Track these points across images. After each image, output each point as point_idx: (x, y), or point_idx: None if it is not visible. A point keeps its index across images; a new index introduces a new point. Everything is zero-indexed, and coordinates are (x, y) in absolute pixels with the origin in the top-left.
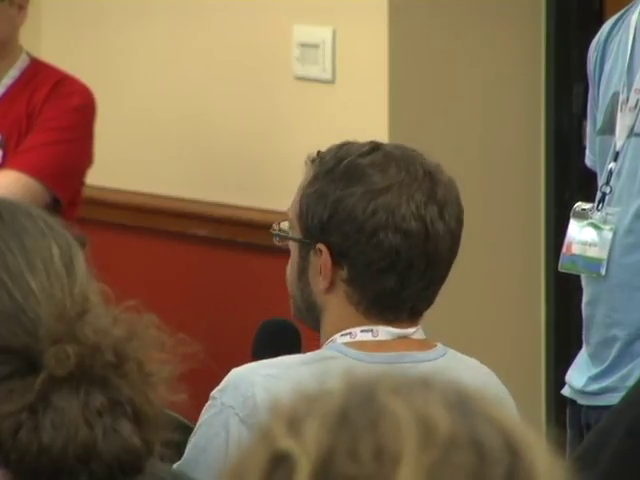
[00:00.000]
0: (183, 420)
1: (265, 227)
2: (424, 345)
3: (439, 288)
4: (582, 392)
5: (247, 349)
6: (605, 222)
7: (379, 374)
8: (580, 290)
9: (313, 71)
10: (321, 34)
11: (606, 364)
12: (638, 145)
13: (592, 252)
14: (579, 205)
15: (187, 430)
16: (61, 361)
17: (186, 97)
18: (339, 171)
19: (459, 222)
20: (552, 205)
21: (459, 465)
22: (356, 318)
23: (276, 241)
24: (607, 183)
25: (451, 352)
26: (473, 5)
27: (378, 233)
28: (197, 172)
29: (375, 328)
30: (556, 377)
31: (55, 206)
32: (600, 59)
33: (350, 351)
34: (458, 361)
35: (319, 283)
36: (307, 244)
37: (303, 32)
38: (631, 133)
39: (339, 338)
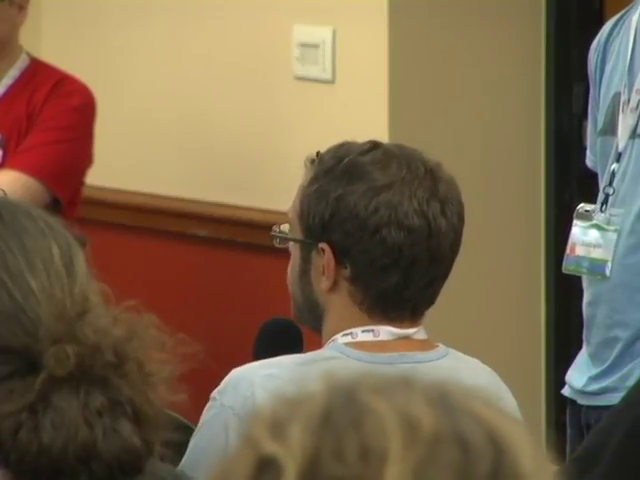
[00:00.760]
0: (183, 420)
1: (265, 227)
2: (425, 345)
3: (441, 287)
4: (582, 392)
5: (247, 349)
6: (609, 223)
7: (360, 374)
8: (580, 290)
9: (313, 71)
10: (321, 34)
11: (607, 364)
12: None
13: (596, 253)
14: (582, 206)
15: (187, 430)
16: (61, 361)
17: (186, 97)
18: (339, 170)
19: (461, 219)
20: (552, 205)
21: (445, 461)
22: (359, 317)
23: (276, 243)
24: (610, 184)
25: (453, 352)
26: (473, 5)
27: (381, 230)
28: (197, 172)
29: (376, 328)
30: (556, 377)
31: (55, 206)
32: (601, 60)
33: (350, 351)
34: (459, 361)
35: (322, 283)
36: (309, 244)
37: (303, 32)
38: (634, 134)
39: (340, 338)
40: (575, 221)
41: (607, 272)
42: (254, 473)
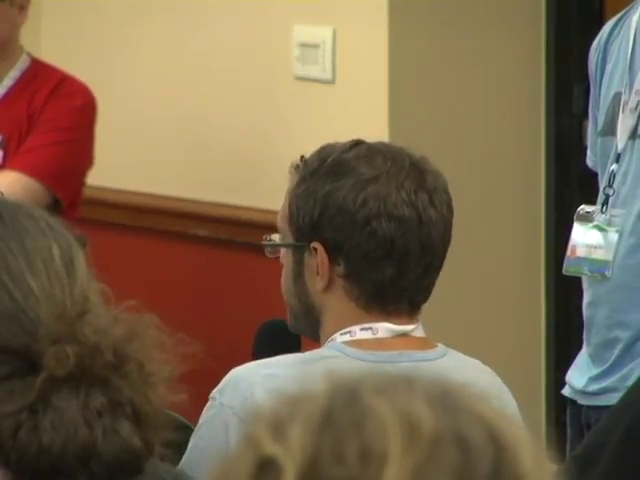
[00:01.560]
0: (183, 420)
1: (265, 227)
2: (425, 344)
3: (436, 277)
4: (582, 392)
5: (247, 349)
6: (610, 224)
7: (362, 374)
8: (580, 291)
9: (313, 71)
10: (321, 34)
11: (607, 365)
12: None
13: (597, 254)
14: (582, 208)
15: (187, 430)
16: (61, 361)
17: (186, 97)
18: (325, 168)
19: (450, 209)
20: (552, 206)
21: (445, 462)
22: (357, 313)
23: (268, 253)
24: (610, 185)
25: (452, 352)
26: (473, 6)
27: (371, 222)
28: (197, 172)
29: (375, 326)
30: (556, 377)
31: (56, 207)
32: (601, 60)
33: (349, 350)
34: (459, 361)
35: (316, 283)
36: (300, 247)
37: (303, 32)
38: (634, 135)
39: (339, 337)
40: (575, 223)
41: (608, 273)
42: (254, 473)
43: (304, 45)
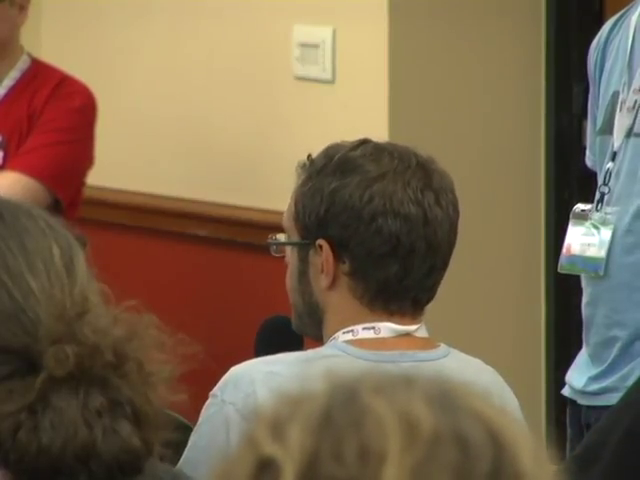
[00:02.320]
0: (183, 420)
1: (265, 227)
2: (427, 344)
3: (440, 278)
4: (582, 392)
5: (247, 349)
6: (604, 222)
7: (361, 374)
8: (580, 291)
9: (313, 71)
10: (321, 34)
11: (606, 364)
12: (637, 145)
13: (591, 252)
14: (578, 207)
15: (187, 430)
16: (60, 361)
17: (186, 97)
18: (331, 166)
19: (456, 210)
20: (552, 205)
21: (444, 462)
22: (360, 312)
23: (273, 252)
24: (605, 183)
25: (454, 352)
26: (473, 5)
27: (377, 219)
28: (197, 172)
29: (377, 325)
30: (556, 377)
31: (56, 207)
32: (600, 59)
33: (351, 349)
34: (461, 361)
35: (321, 282)
36: (306, 245)
37: (303, 32)
38: (630, 133)
39: (341, 336)
40: (571, 221)
41: (600, 271)
42: (254, 474)
43: (304, 45)
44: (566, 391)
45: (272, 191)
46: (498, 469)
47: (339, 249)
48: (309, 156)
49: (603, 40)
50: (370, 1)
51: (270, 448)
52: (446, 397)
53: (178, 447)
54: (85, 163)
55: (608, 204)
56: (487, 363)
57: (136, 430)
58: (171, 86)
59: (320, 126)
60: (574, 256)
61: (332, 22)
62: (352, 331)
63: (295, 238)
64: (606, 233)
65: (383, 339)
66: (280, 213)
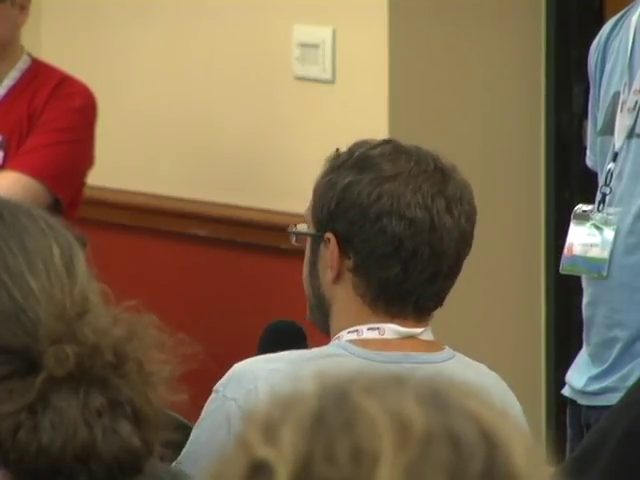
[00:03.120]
0: (183, 420)
1: (265, 227)
2: (431, 347)
3: (447, 286)
4: (582, 392)
5: (247, 349)
6: (606, 223)
7: (352, 374)
8: (580, 291)
9: (313, 71)
10: (321, 34)
11: (607, 365)
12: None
13: (593, 253)
14: (579, 207)
15: (187, 430)
16: (60, 361)
17: (186, 97)
18: (350, 162)
19: (470, 221)
20: (552, 205)
21: (437, 461)
22: (363, 311)
23: (293, 241)
24: (607, 184)
25: (459, 356)
26: (473, 5)
27: (382, 219)
28: (197, 172)
29: (382, 326)
30: (556, 377)
31: (56, 207)
32: (601, 60)
33: (355, 349)
34: (465, 365)
35: (328, 275)
36: (317, 237)
37: (303, 32)
38: (631, 134)
39: (345, 335)
40: (572, 221)
41: (604, 272)
42: (247, 476)
43: (304, 45)
44: (566, 391)
45: (272, 191)
46: (491, 468)
47: (345, 244)
48: (337, 150)
49: (603, 40)
50: (370, 1)
51: (263, 451)
52: (438, 396)
53: (178, 447)
54: (85, 163)
55: (610, 205)
56: (487, 363)
57: (136, 430)
58: (171, 86)
59: (320, 126)
60: (576, 257)
61: (332, 22)
62: (357, 331)
63: (311, 229)
64: (609, 234)
65: (387, 340)
66: (280, 213)
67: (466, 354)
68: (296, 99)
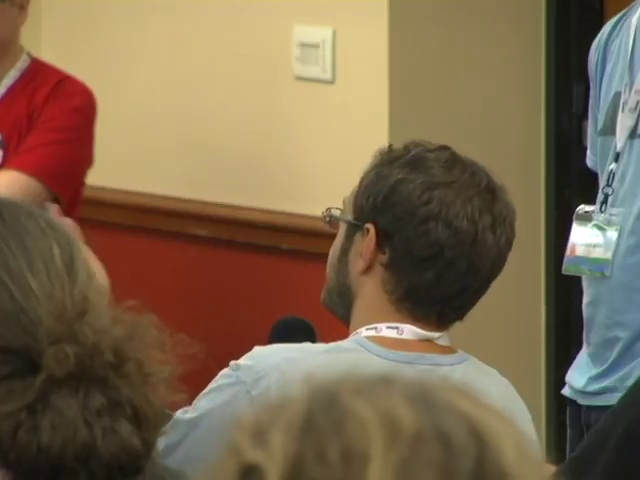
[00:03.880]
0: None
1: (265, 227)
2: (446, 350)
3: (471, 302)
4: (582, 392)
5: (247, 349)
6: (609, 223)
7: (340, 376)
8: (580, 291)
9: (313, 71)
10: (321, 34)
11: (607, 365)
12: None
13: (596, 253)
14: (582, 208)
15: None
16: (60, 361)
17: (186, 97)
18: (405, 159)
19: (508, 243)
20: (552, 205)
21: (427, 460)
22: (386, 308)
23: (326, 222)
24: (609, 184)
25: (472, 360)
26: (473, 5)
27: (428, 222)
28: (197, 172)
29: (401, 326)
30: (556, 377)
31: None
32: (601, 60)
33: (371, 345)
34: (478, 369)
35: (358, 264)
36: (356, 225)
37: (303, 32)
38: (633, 134)
39: (364, 332)
40: (575, 222)
41: (607, 272)
42: None
43: (304, 45)
44: (566, 391)
45: (272, 191)
46: (481, 465)
47: (383, 239)
48: (390, 145)
49: (604, 41)
50: (370, 1)
51: (253, 455)
52: (426, 396)
53: None
54: (85, 162)
55: (612, 205)
56: (487, 363)
57: (136, 430)
58: (171, 86)
59: (320, 126)
60: (579, 257)
61: (332, 22)
62: (375, 328)
63: (349, 216)
64: (612, 234)
65: (405, 340)
66: (280, 213)
67: (466, 354)
68: (296, 99)
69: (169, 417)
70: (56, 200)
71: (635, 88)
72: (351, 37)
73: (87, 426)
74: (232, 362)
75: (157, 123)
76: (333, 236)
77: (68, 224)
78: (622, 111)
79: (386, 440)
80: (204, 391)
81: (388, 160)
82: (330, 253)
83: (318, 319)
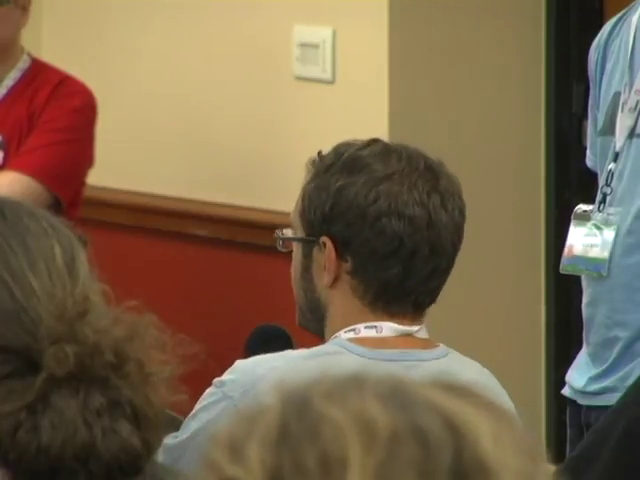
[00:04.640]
0: (184, 420)
1: (265, 227)
2: (427, 344)
3: (442, 282)
4: (582, 392)
5: None
6: (607, 223)
7: (310, 381)
8: (580, 291)
9: (313, 71)
10: (321, 34)
11: (607, 364)
12: None
13: (593, 253)
14: (580, 207)
15: None
16: (60, 361)
17: (186, 97)
18: (340, 164)
19: (462, 215)
20: (552, 205)
21: (405, 460)
22: (362, 312)
23: (279, 247)
24: (607, 184)
25: (453, 353)
26: (473, 5)
27: (381, 219)
28: (197, 172)
29: (379, 324)
30: (556, 377)
31: (56, 207)
32: (601, 59)
33: (353, 347)
34: (460, 362)
35: (323, 279)
36: (310, 241)
37: (303, 32)
38: (632, 134)
39: (343, 334)
40: (573, 221)
41: (603, 271)
42: None
43: (304, 45)
44: (566, 391)
45: (272, 191)
46: (459, 458)
47: (342, 247)
48: (319, 152)
49: (603, 40)
50: (370, 1)
51: (231, 470)
52: (399, 392)
53: None
54: (85, 163)
55: (610, 205)
56: (487, 363)
57: (136, 430)
58: (171, 86)
59: (320, 126)
60: (576, 257)
61: (332, 22)
62: (354, 330)
63: (300, 234)
64: (609, 234)
65: (384, 338)
66: (280, 213)
67: (466, 354)
68: (296, 99)
69: (170, 418)
70: (57, 200)
71: (635, 88)
72: (351, 37)
73: (87, 426)
74: (215, 379)
75: (157, 123)
76: None
77: None
78: (622, 111)
79: (363, 444)
80: (192, 412)
81: (323, 169)
82: (292, 274)
83: None
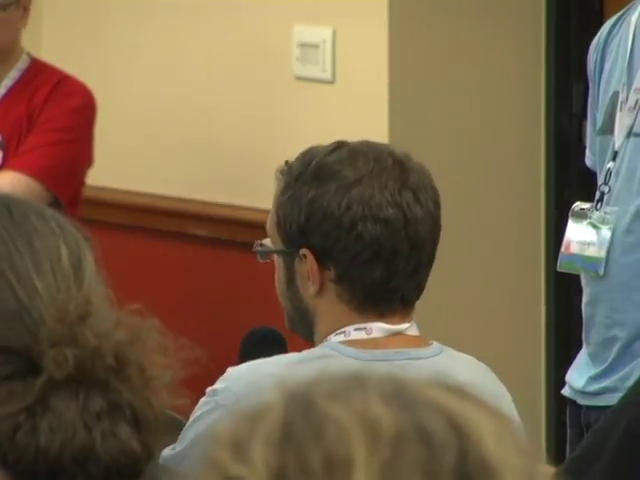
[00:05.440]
0: (184, 421)
1: (265, 227)
2: (420, 342)
3: (427, 275)
4: (582, 392)
5: None
6: (604, 222)
7: (313, 380)
8: (580, 290)
9: (313, 71)
10: (321, 34)
11: (606, 364)
12: (637, 145)
13: (590, 251)
14: (577, 205)
15: None
16: (60, 364)
17: (186, 97)
18: (308, 173)
19: (436, 205)
20: (552, 205)
21: (410, 459)
22: (350, 316)
23: (260, 259)
24: (605, 183)
25: (447, 350)
26: (473, 5)
27: (357, 226)
28: (197, 172)
29: (368, 326)
30: (556, 377)
31: (56, 206)
32: (600, 59)
33: (345, 349)
34: (454, 359)
35: (309, 289)
36: (290, 253)
37: (303, 32)
38: (630, 133)
39: (333, 338)
40: (570, 219)
41: (600, 271)
42: None
43: (304, 45)
44: (566, 391)
45: (272, 191)
46: (464, 458)
47: (323, 257)
48: (286, 162)
49: (603, 40)
50: (370, 1)
51: (235, 469)
52: (401, 392)
53: None
54: (84, 162)
55: (608, 203)
56: (487, 362)
57: (136, 434)
58: (171, 86)
59: (320, 126)
60: (573, 255)
61: (332, 22)
62: (344, 332)
63: (279, 245)
64: (606, 233)
65: (375, 339)
66: None
67: (466, 354)
68: (296, 99)
69: (172, 419)
70: (56, 200)
71: (634, 87)
72: (351, 37)
73: (86, 429)
74: (208, 388)
75: (157, 123)
76: None
77: None
78: (621, 110)
79: (367, 444)
80: (187, 423)
81: (292, 180)
82: (277, 285)
83: None
